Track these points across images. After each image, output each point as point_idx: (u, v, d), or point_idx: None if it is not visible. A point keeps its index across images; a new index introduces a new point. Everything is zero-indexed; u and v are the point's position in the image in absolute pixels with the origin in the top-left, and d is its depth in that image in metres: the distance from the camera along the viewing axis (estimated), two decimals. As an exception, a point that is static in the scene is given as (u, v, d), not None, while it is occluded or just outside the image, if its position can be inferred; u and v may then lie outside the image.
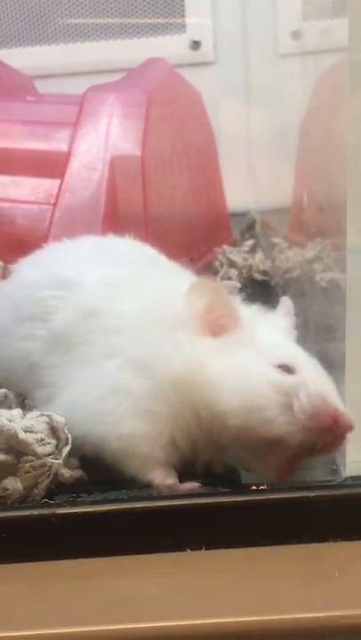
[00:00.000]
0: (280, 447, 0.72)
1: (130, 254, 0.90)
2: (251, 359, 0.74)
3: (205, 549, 0.70)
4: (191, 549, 0.70)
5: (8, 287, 0.91)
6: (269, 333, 0.78)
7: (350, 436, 0.73)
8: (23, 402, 0.85)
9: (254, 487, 0.72)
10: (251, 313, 0.81)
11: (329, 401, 0.72)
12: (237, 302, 0.81)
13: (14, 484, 0.72)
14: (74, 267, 0.86)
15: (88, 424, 0.76)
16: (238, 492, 0.73)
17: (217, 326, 0.76)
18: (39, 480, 0.73)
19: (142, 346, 0.77)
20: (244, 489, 0.73)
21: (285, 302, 0.86)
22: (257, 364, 0.74)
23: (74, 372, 0.80)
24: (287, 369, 0.74)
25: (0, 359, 0.87)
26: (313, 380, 0.73)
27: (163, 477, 0.76)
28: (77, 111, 1.17)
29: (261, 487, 0.72)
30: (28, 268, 0.91)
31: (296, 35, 1.49)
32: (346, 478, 0.73)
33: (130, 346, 0.77)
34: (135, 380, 0.76)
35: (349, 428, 0.71)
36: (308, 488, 0.72)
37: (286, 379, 0.73)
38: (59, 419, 0.76)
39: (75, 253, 0.91)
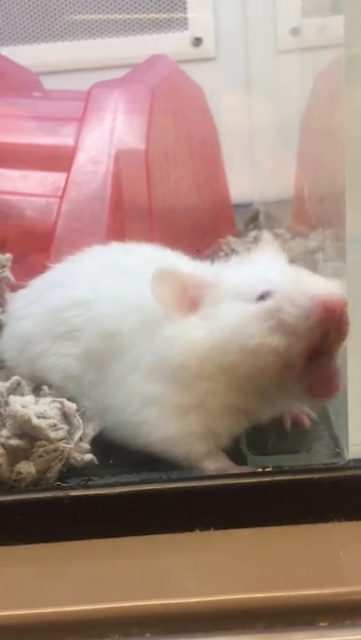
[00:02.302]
0: (301, 362, 0.73)
1: (136, 264, 0.90)
2: (231, 310, 0.76)
3: (214, 530, 0.72)
4: (200, 530, 0.72)
5: (36, 307, 0.92)
6: (244, 271, 0.79)
7: (353, 420, 0.75)
8: (37, 388, 0.86)
9: (260, 469, 0.74)
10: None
11: (312, 293, 0.72)
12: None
13: (28, 468, 0.74)
14: (87, 285, 0.88)
15: (134, 437, 0.79)
16: (245, 474, 0.75)
17: (192, 301, 0.78)
18: (52, 464, 0.75)
19: (148, 354, 0.79)
20: (251, 471, 0.75)
21: (266, 238, 0.89)
22: (238, 310, 0.75)
23: (111, 391, 0.82)
24: (267, 294, 0.74)
25: (37, 370, 0.89)
26: (291, 285, 0.73)
27: (213, 465, 0.78)
28: (83, 107, 1.18)
29: (267, 469, 0.74)
30: (52, 289, 0.92)
31: (295, 31, 1.50)
32: (349, 460, 0.75)
33: (141, 359, 0.79)
34: (156, 387, 0.78)
35: (343, 305, 0.71)
36: (313, 470, 0.74)
37: (266, 303, 0.74)
38: (70, 405, 0.78)
39: (87, 269, 0.92)
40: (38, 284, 0.96)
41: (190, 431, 0.77)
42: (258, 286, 0.76)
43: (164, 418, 0.77)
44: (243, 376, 0.74)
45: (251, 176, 1.55)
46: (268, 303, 0.74)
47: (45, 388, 0.86)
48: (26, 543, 0.72)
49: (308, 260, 1.08)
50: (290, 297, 0.72)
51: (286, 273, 0.77)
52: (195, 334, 0.76)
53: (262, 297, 0.74)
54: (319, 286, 0.73)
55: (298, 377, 0.73)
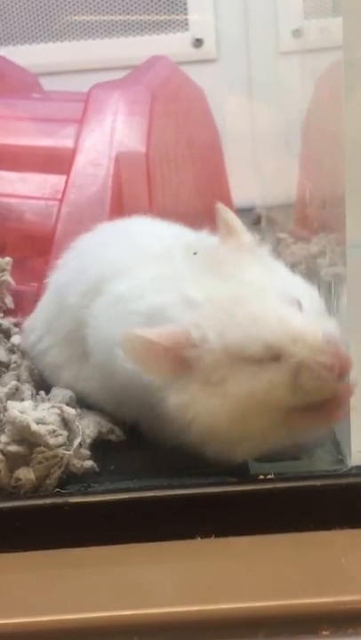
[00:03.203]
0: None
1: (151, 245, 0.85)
2: (241, 377, 0.71)
3: (215, 537, 0.71)
4: (201, 537, 0.71)
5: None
6: (232, 324, 0.72)
7: (356, 427, 0.74)
8: (36, 393, 0.86)
9: (262, 476, 0.73)
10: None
11: (329, 356, 0.69)
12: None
13: (27, 475, 0.73)
14: (100, 270, 0.84)
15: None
16: (246, 481, 0.74)
17: (177, 361, 0.72)
18: (51, 470, 0.74)
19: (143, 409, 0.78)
20: (252, 478, 0.74)
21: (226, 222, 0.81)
22: (250, 377, 0.71)
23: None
24: (277, 357, 0.70)
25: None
26: (305, 348, 0.70)
27: None
28: (83, 108, 1.17)
29: (269, 476, 0.73)
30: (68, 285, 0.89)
31: (297, 33, 1.50)
32: (351, 467, 0.74)
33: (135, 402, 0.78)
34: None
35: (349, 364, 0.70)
36: (315, 477, 0.73)
37: (282, 367, 0.70)
38: (70, 410, 0.77)
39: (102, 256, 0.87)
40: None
41: None
42: (256, 347, 0.71)
43: None
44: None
45: (252, 179, 1.55)
46: (283, 367, 0.70)
47: (43, 393, 0.85)
48: (25, 550, 0.71)
49: (310, 265, 1.08)
50: (307, 358, 0.70)
51: (278, 312, 0.72)
52: (207, 405, 0.72)
53: (272, 358, 0.71)
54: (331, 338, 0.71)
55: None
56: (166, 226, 0.92)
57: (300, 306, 0.74)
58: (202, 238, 0.86)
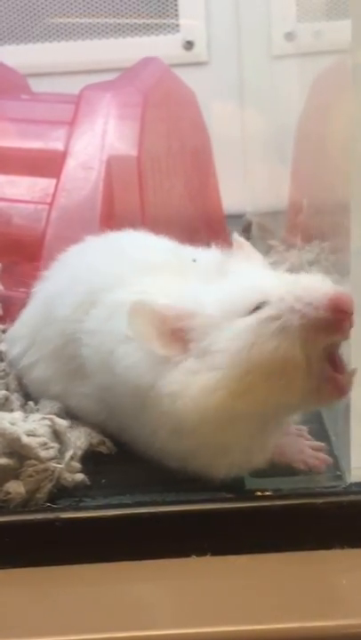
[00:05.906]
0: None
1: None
2: (229, 335, 0.69)
3: (211, 555, 0.70)
4: (196, 555, 0.70)
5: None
6: (225, 290, 0.73)
7: (356, 443, 0.72)
8: (25, 403, 0.84)
9: (259, 493, 0.72)
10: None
11: (315, 289, 0.67)
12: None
13: (17, 488, 0.72)
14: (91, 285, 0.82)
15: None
16: (243, 497, 0.72)
17: (175, 337, 0.72)
18: (42, 484, 0.72)
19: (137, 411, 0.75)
20: (249, 495, 0.72)
21: (238, 241, 0.83)
22: (239, 331, 0.68)
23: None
24: (263, 304, 0.69)
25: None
26: (288, 287, 0.69)
27: None
28: (74, 110, 1.16)
29: (266, 493, 0.72)
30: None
31: (290, 36, 1.49)
32: (350, 484, 0.72)
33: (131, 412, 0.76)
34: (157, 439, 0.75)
35: (348, 303, 0.66)
36: (314, 494, 0.71)
37: (265, 310, 0.68)
38: (61, 422, 0.76)
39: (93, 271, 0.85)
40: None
41: None
42: (248, 299, 0.70)
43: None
44: (271, 402, 0.69)
45: (243, 186, 1.54)
46: (267, 310, 0.68)
47: (31, 403, 0.83)
48: (14, 567, 0.70)
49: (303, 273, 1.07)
50: (293, 297, 0.67)
51: (274, 278, 0.73)
52: (200, 382, 0.69)
53: (258, 308, 0.69)
54: (318, 283, 0.69)
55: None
56: (158, 239, 0.90)
57: None
58: (199, 251, 0.86)
